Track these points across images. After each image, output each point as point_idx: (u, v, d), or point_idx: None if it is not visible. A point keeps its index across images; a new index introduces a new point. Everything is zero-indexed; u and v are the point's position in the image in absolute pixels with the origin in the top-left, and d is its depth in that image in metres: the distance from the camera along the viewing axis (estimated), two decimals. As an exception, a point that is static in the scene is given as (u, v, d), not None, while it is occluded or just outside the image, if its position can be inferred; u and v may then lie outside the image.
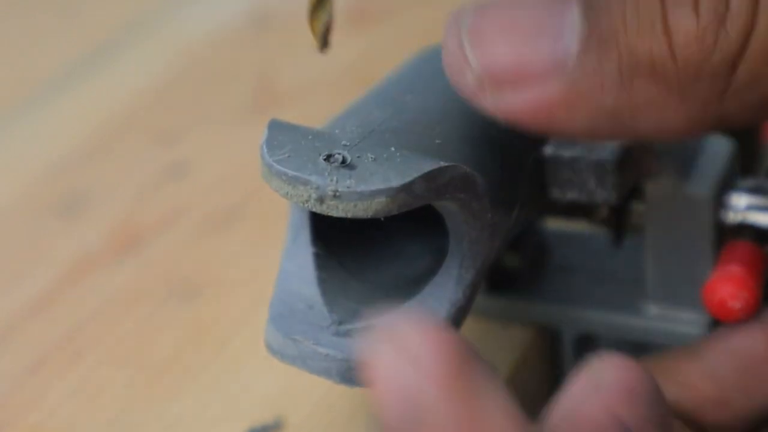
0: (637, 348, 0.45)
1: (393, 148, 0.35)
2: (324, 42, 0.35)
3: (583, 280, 0.45)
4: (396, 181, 0.33)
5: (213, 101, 0.61)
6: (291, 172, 0.34)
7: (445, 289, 0.37)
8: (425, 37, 0.44)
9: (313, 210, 0.34)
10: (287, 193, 0.34)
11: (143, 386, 0.44)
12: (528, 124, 0.34)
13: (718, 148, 0.42)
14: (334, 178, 0.33)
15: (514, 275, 0.45)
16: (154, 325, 0.47)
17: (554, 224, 0.46)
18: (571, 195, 0.40)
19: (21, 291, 0.49)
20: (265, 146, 0.35)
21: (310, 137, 0.35)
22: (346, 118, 0.37)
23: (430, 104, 0.37)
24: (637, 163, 0.40)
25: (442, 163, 0.34)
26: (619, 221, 0.43)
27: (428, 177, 0.34)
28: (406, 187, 0.34)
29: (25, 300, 0.49)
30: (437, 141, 0.36)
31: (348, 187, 0.33)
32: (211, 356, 0.45)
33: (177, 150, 0.57)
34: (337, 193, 0.33)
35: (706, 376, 0.39)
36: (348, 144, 0.35)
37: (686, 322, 0.43)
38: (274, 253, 0.41)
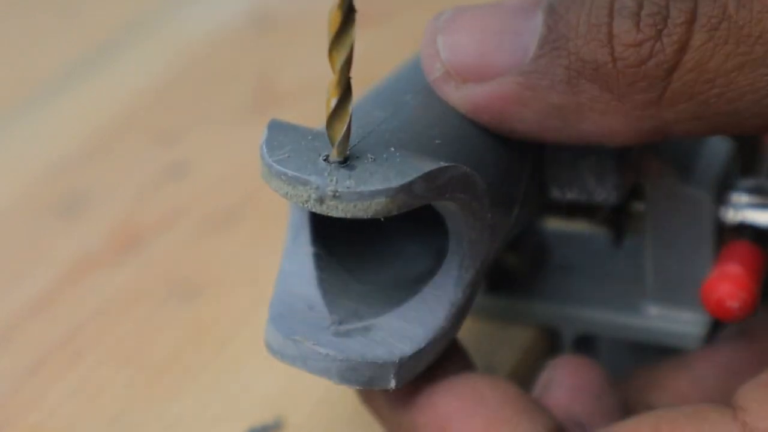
0: (637, 348, 0.45)
1: (393, 148, 0.35)
2: (343, 150, 0.35)
3: (583, 280, 0.45)
4: (396, 182, 0.33)
5: (213, 101, 0.61)
6: (291, 173, 0.34)
7: (445, 289, 0.37)
8: (425, 37, 0.44)
9: (313, 210, 0.34)
10: (287, 193, 0.34)
11: (143, 386, 0.44)
12: (484, 117, 0.37)
13: (718, 148, 0.42)
14: (334, 179, 0.33)
15: (514, 275, 0.45)
16: (154, 325, 0.47)
17: (554, 224, 0.46)
18: (571, 195, 0.40)
19: (21, 291, 0.49)
20: (264, 146, 0.35)
21: (309, 137, 0.35)
22: (345, 118, 0.37)
23: (430, 104, 0.37)
24: (637, 163, 0.40)
25: (442, 163, 0.34)
26: (619, 221, 0.43)
27: (428, 177, 0.34)
28: (406, 188, 0.34)
29: (25, 300, 0.49)
30: (437, 141, 0.36)
31: (348, 188, 0.33)
32: (211, 356, 0.45)
33: (177, 150, 0.57)
34: (337, 194, 0.33)
35: (693, 384, 0.42)
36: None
37: (686, 322, 0.42)
38: (274, 253, 0.42)
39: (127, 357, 0.46)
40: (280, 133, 0.35)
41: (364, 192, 0.33)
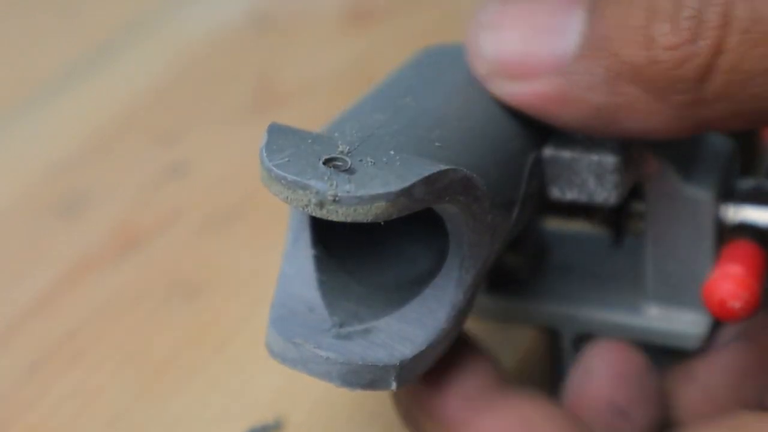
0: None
1: (392, 152, 0.35)
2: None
3: (583, 280, 0.45)
4: (395, 185, 0.33)
5: (213, 101, 0.61)
6: (290, 177, 0.34)
7: (446, 290, 0.37)
8: (425, 37, 0.44)
9: (313, 214, 0.34)
10: (287, 197, 0.34)
11: (143, 386, 0.44)
12: (527, 111, 0.38)
13: (718, 148, 0.42)
14: (334, 183, 0.33)
15: (513, 275, 0.45)
16: (154, 325, 0.47)
17: (554, 224, 0.46)
18: (571, 195, 0.40)
19: (21, 291, 0.49)
20: (264, 150, 0.35)
21: (309, 141, 0.35)
22: (345, 121, 0.37)
23: (430, 106, 0.37)
24: (637, 163, 0.40)
25: (442, 167, 0.34)
26: (619, 221, 0.43)
27: (428, 181, 0.34)
28: (406, 191, 0.33)
29: (25, 300, 0.49)
30: (437, 144, 0.36)
31: (348, 192, 0.33)
32: (211, 356, 0.45)
33: (177, 150, 0.57)
34: (337, 198, 0.33)
35: (702, 395, 0.42)
36: (347, 148, 0.35)
37: (686, 322, 0.42)
38: (274, 254, 0.42)
39: (127, 357, 0.46)
40: (279, 137, 0.35)
41: (364, 196, 0.33)
